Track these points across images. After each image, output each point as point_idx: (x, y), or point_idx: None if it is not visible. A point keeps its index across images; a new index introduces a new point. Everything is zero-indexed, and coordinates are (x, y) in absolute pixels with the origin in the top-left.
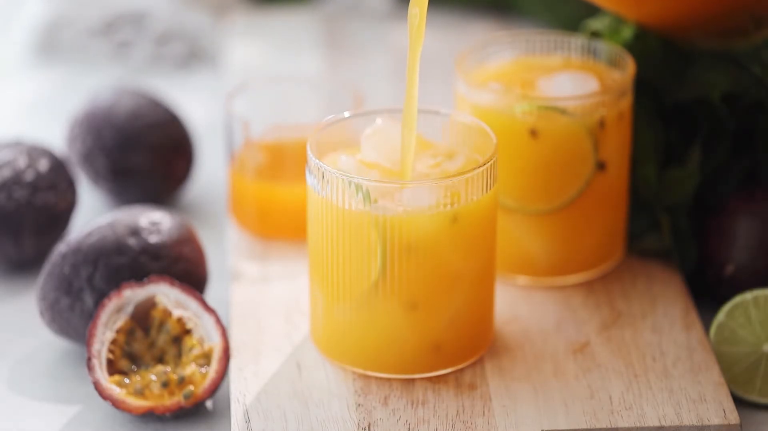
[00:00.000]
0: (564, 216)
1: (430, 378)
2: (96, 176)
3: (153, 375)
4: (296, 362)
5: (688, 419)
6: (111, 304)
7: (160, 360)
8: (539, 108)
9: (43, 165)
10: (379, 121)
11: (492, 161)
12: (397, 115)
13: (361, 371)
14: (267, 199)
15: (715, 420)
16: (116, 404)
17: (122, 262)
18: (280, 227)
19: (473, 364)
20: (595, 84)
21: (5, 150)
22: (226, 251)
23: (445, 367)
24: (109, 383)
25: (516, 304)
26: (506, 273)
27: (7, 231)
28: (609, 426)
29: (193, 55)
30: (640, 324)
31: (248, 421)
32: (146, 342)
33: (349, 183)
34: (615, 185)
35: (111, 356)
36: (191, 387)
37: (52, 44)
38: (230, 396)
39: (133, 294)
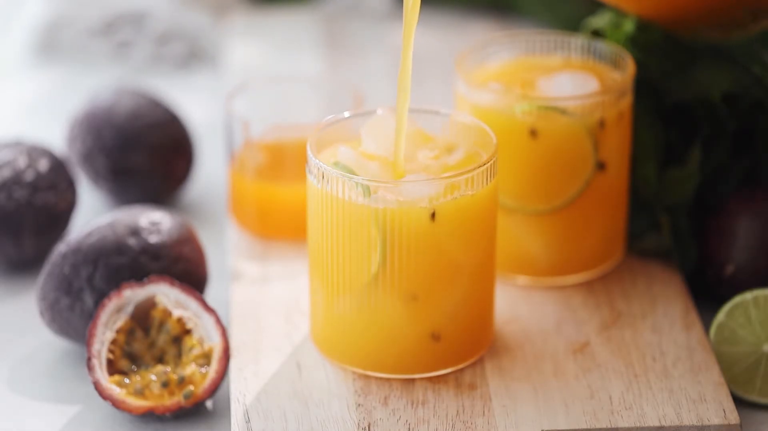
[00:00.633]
0: (564, 217)
1: (430, 378)
2: (96, 176)
3: (153, 375)
4: (296, 362)
5: (688, 419)
6: (111, 304)
7: (160, 360)
8: (539, 108)
9: (43, 165)
10: (379, 111)
11: (492, 161)
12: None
13: (361, 371)
14: (267, 199)
15: (715, 420)
16: (116, 404)
17: (122, 262)
18: (280, 227)
19: (473, 364)
20: (595, 84)
21: (5, 150)
22: (226, 251)
23: (445, 367)
24: (109, 383)
25: (516, 304)
26: (506, 273)
27: (7, 231)
28: (609, 426)
29: (193, 55)
30: (640, 324)
31: (248, 421)
32: (146, 342)
33: (349, 181)
34: (615, 185)
35: (111, 356)
36: (191, 387)
37: (52, 44)
38: (230, 396)
39: (133, 294)
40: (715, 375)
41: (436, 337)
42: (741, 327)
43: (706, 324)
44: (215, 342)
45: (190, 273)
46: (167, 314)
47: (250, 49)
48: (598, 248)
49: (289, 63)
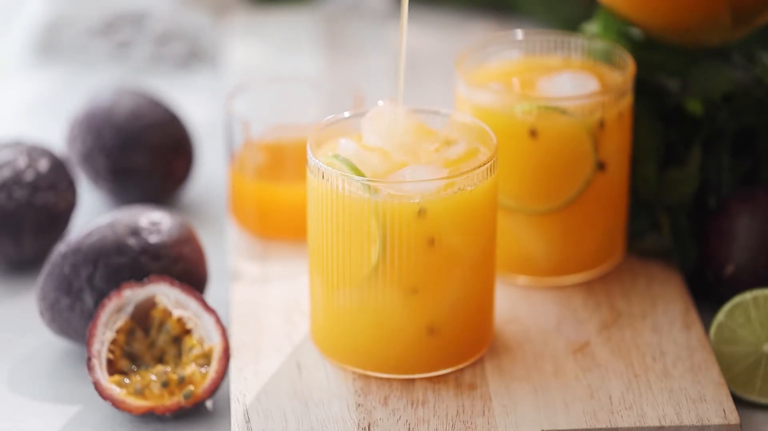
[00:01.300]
0: (564, 217)
1: (430, 378)
2: (96, 176)
3: (153, 375)
4: (296, 362)
5: (688, 419)
6: (111, 304)
7: (160, 360)
8: (539, 108)
9: (43, 165)
10: (380, 103)
11: (492, 161)
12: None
13: (361, 371)
14: (267, 199)
15: (715, 420)
16: (116, 404)
17: (122, 262)
18: (280, 227)
19: (473, 364)
20: (595, 84)
21: (5, 150)
22: (226, 251)
23: (445, 367)
24: (109, 383)
25: (516, 304)
26: (506, 273)
27: (7, 231)
28: (609, 426)
29: (193, 55)
30: (640, 324)
31: (248, 421)
32: (146, 342)
33: (349, 180)
34: (615, 185)
35: (111, 356)
36: (191, 387)
37: (52, 44)
38: (230, 396)
39: (133, 294)
40: (715, 375)
41: (431, 331)
42: (741, 327)
43: (706, 324)
44: (215, 342)
45: (190, 273)
46: (167, 314)
47: (250, 49)
48: (598, 248)
49: (289, 63)
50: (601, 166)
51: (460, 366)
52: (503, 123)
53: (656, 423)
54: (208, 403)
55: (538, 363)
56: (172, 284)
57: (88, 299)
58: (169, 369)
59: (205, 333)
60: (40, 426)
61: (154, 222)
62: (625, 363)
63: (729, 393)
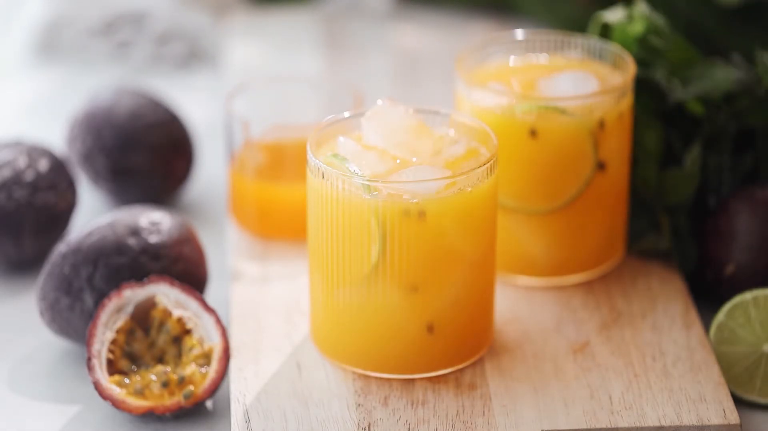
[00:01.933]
0: (564, 217)
1: (430, 378)
2: (96, 176)
3: (153, 375)
4: (296, 362)
5: (688, 419)
6: (111, 304)
7: (160, 360)
8: (539, 108)
9: (43, 165)
10: (379, 102)
11: (492, 161)
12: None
13: (361, 371)
14: (267, 199)
15: (715, 420)
16: (116, 404)
17: (122, 262)
18: (280, 227)
19: (473, 364)
20: (595, 84)
21: (5, 150)
22: (226, 251)
23: (445, 367)
24: (109, 383)
25: (516, 304)
26: (506, 273)
27: (7, 231)
28: (609, 426)
29: (193, 55)
30: (640, 324)
31: (248, 421)
32: (146, 342)
33: (349, 180)
34: (615, 185)
35: (111, 356)
36: (191, 387)
37: (52, 44)
38: (230, 396)
39: (133, 294)
40: (715, 375)
41: (431, 330)
42: (741, 327)
43: (706, 324)
44: (215, 342)
45: (190, 273)
46: (167, 314)
47: (250, 49)
48: (598, 248)
49: (289, 63)
50: (601, 166)
51: (460, 366)
52: (503, 123)
53: (656, 423)
54: (208, 403)
55: (538, 363)
56: (172, 284)
57: (88, 299)
58: (169, 369)
59: (205, 333)
60: (40, 426)
61: (154, 222)
62: (625, 363)
63: (729, 393)
